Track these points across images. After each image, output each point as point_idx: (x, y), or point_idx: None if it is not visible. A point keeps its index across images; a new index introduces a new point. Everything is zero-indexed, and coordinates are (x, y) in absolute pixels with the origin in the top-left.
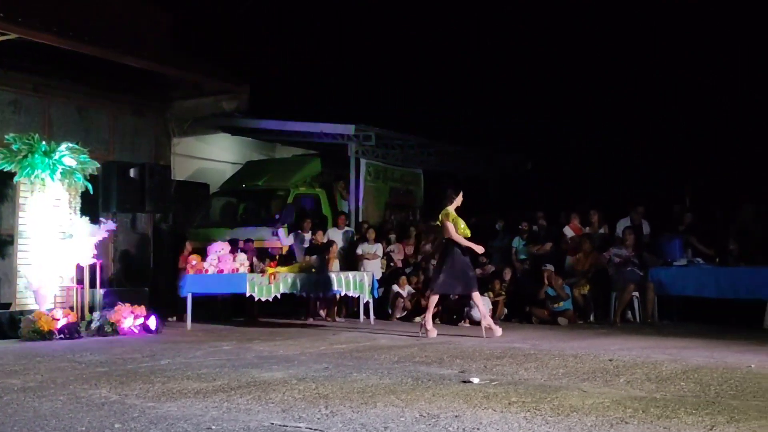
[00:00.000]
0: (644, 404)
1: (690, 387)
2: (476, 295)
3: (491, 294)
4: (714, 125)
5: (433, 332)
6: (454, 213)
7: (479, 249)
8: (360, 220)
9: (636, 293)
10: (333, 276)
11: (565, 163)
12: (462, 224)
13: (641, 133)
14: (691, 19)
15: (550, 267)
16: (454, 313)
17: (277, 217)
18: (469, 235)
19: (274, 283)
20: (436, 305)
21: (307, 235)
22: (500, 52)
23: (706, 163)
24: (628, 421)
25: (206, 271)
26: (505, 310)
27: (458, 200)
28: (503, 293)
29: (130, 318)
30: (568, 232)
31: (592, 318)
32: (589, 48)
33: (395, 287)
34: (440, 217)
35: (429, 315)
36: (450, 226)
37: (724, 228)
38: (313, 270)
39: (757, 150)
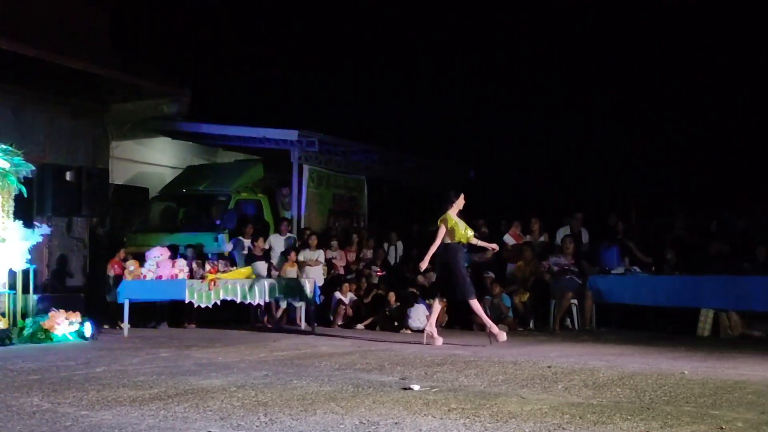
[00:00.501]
0: (581, 410)
1: (626, 393)
2: (474, 303)
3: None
4: (654, 136)
5: (438, 340)
6: (453, 217)
7: (492, 246)
8: (303, 226)
9: (575, 301)
10: (274, 282)
11: (507, 172)
12: (462, 228)
13: (581, 142)
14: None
15: (490, 274)
16: (395, 320)
17: (218, 222)
18: (467, 240)
19: (214, 290)
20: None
21: (248, 242)
22: (444, 60)
23: (645, 173)
24: (565, 427)
25: (144, 276)
26: (446, 317)
27: (459, 203)
28: (445, 300)
29: (64, 324)
30: (509, 240)
31: (531, 325)
32: (529, 57)
33: (337, 294)
34: (438, 222)
35: (433, 321)
36: (441, 232)
37: (660, 237)
38: (254, 276)
39: (691, 161)
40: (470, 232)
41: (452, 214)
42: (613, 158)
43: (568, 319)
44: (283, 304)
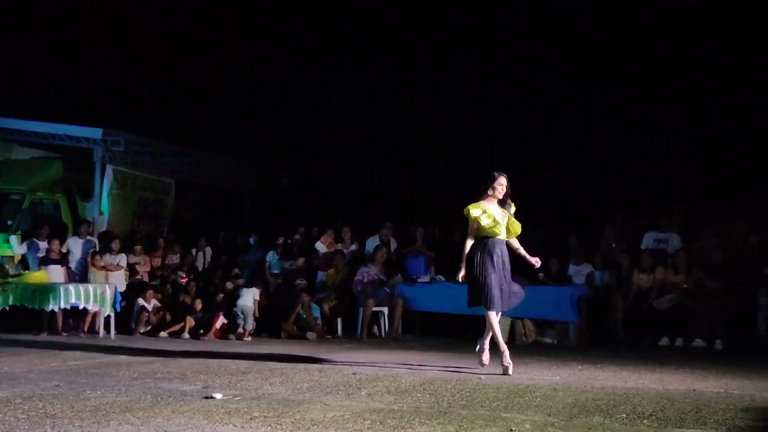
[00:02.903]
0: (382, 416)
1: (426, 398)
2: (490, 314)
3: None
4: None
5: (484, 356)
6: (480, 208)
7: (534, 261)
8: (105, 229)
9: (383, 309)
10: (71, 288)
11: (320, 180)
12: (488, 221)
13: (391, 151)
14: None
15: (302, 282)
16: (201, 327)
17: (9, 223)
18: (495, 234)
19: (2, 295)
20: None
21: (43, 244)
22: (263, 63)
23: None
24: None
25: None
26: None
27: (495, 189)
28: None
29: None
30: (321, 247)
31: (340, 333)
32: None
33: (140, 300)
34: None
35: (486, 336)
36: (470, 226)
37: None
38: (48, 281)
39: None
40: (500, 227)
41: (485, 203)
42: (422, 168)
43: (376, 327)
44: (89, 310)
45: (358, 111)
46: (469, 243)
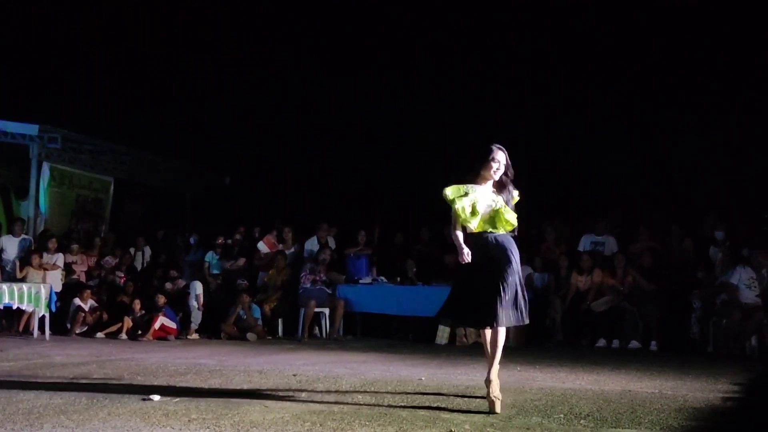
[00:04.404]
0: (322, 417)
1: (366, 399)
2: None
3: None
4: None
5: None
6: (461, 189)
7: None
8: (41, 227)
9: (325, 309)
10: (4, 287)
11: (262, 180)
12: (464, 208)
13: (335, 151)
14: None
15: (243, 282)
16: (139, 328)
17: None
18: (472, 225)
19: None
20: None
21: None
22: (203, 63)
23: (393, 187)
24: None
25: None
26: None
27: (489, 167)
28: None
29: None
30: (263, 248)
31: (280, 333)
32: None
33: (77, 300)
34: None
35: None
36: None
37: (404, 250)
38: None
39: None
40: (474, 218)
41: (473, 185)
42: (363, 168)
43: (317, 327)
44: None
45: (300, 110)
46: (458, 234)
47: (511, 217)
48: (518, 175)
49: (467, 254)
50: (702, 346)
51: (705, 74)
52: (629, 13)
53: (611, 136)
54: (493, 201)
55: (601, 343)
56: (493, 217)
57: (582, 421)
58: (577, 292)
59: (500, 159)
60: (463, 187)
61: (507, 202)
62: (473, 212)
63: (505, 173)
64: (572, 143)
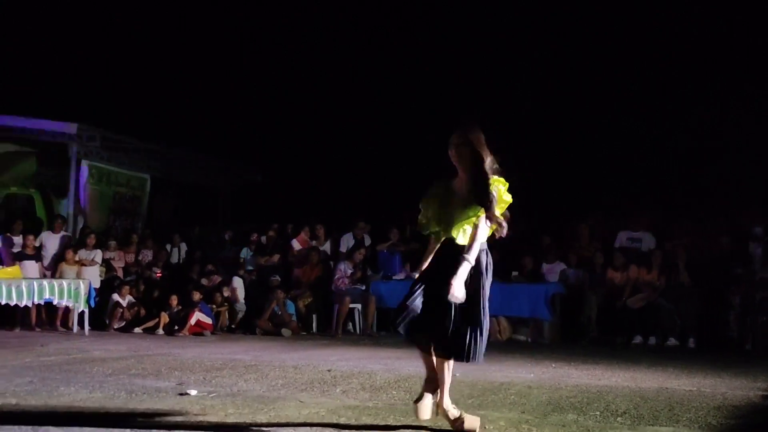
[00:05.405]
0: (357, 413)
1: (400, 395)
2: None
3: (214, 306)
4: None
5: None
6: (432, 191)
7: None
8: (81, 224)
9: (358, 305)
10: (44, 283)
11: (294, 177)
12: (425, 214)
13: (366, 149)
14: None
15: (275, 278)
16: (176, 323)
17: None
18: (438, 235)
19: None
20: None
21: (18, 239)
22: (236, 60)
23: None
24: (341, 429)
25: None
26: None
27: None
28: (226, 304)
29: None
30: (296, 245)
31: (314, 329)
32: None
33: (115, 296)
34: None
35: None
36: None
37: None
38: (22, 276)
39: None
40: (432, 225)
41: (444, 183)
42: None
43: (351, 323)
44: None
45: (333, 109)
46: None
47: (468, 227)
48: (553, 172)
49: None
50: (740, 343)
51: (748, 69)
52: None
53: (648, 130)
54: (462, 202)
55: (638, 340)
56: (454, 224)
57: (618, 419)
58: (613, 289)
59: (451, 144)
60: (433, 189)
61: (489, 200)
62: (427, 220)
63: (472, 159)
64: (608, 138)
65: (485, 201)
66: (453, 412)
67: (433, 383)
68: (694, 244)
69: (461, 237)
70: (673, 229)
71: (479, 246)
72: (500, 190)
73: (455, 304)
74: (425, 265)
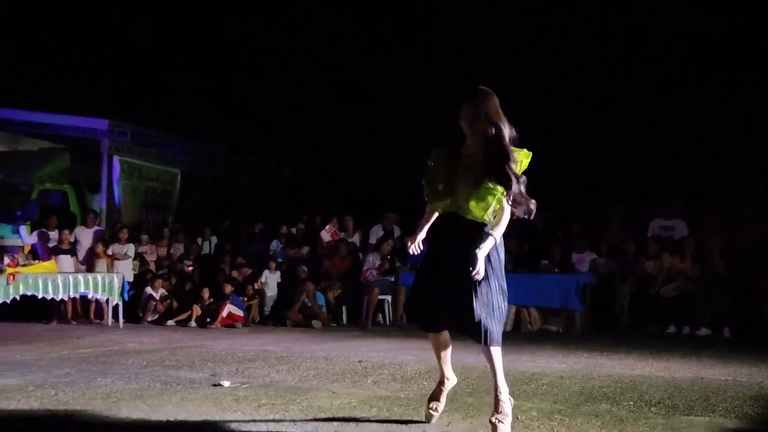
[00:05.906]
0: (389, 403)
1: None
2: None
3: (245, 298)
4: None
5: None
6: (434, 157)
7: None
8: (113, 219)
9: (388, 297)
10: (79, 277)
11: (323, 170)
12: (431, 188)
13: (390, 142)
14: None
15: (302, 268)
16: (208, 315)
17: (18, 213)
18: (443, 209)
19: (13, 284)
20: None
21: (53, 234)
22: (261, 56)
23: None
24: (373, 420)
25: None
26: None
27: (466, 126)
28: (257, 297)
29: None
30: (325, 236)
31: (345, 321)
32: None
33: (148, 289)
34: None
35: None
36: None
37: None
38: (57, 270)
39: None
40: (440, 198)
41: (462, 152)
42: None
43: (380, 315)
44: (98, 299)
45: (360, 102)
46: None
47: (480, 205)
48: (583, 161)
49: (416, 245)
50: None
51: None
52: None
53: (681, 118)
54: (472, 174)
55: (671, 329)
56: (464, 199)
57: (653, 408)
58: (646, 278)
59: (462, 113)
60: (437, 153)
61: (500, 182)
62: (433, 191)
63: (489, 134)
64: (638, 126)
65: (507, 182)
66: (506, 407)
67: (443, 384)
68: (730, 232)
69: (474, 211)
70: (707, 218)
71: (505, 226)
72: (523, 164)
73: (475, 284)
74: (421, 236)
